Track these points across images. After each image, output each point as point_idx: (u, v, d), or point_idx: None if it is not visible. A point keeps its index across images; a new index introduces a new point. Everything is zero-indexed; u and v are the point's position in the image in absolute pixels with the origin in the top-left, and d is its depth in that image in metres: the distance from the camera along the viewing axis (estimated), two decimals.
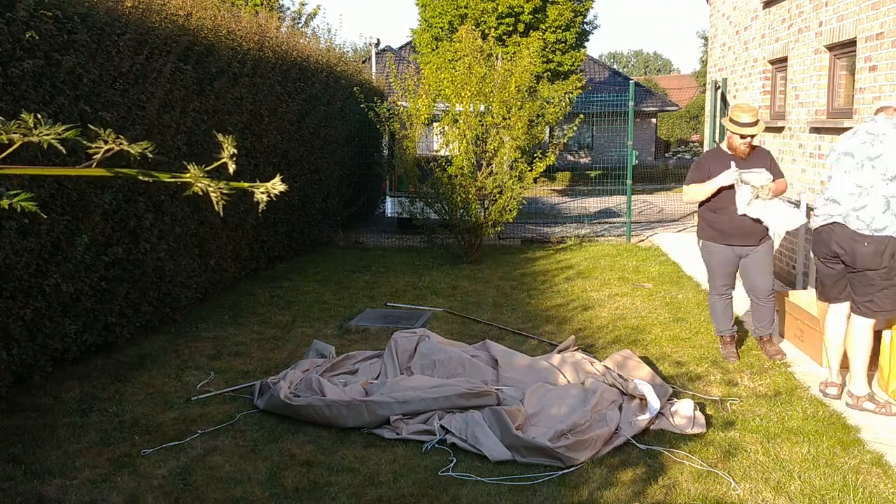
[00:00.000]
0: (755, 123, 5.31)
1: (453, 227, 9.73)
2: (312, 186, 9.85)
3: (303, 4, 19.02)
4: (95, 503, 3.52)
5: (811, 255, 4.93)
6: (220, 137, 1.54)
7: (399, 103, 10.32)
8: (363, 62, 16.21)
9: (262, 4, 14.81)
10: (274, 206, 8.50)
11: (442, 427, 4.21)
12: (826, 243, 4.63)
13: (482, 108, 9.57)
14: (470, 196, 9.45)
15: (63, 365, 5.17)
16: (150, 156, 1.47)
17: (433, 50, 19.08)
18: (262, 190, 1.53)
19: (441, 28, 20.16)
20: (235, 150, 1.52)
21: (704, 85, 16.54)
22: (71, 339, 5.11)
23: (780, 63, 8.62)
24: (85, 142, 1.43)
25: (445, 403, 4.38)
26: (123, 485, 3.67)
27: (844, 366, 4.89)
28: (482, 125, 9.57)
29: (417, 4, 21.40)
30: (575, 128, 10.18)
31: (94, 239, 5.20)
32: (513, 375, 4.89)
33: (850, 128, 6.39)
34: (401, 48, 28.34)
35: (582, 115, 10.48)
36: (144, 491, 3.61)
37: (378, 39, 18.45)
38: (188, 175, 1.48)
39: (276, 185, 1.52)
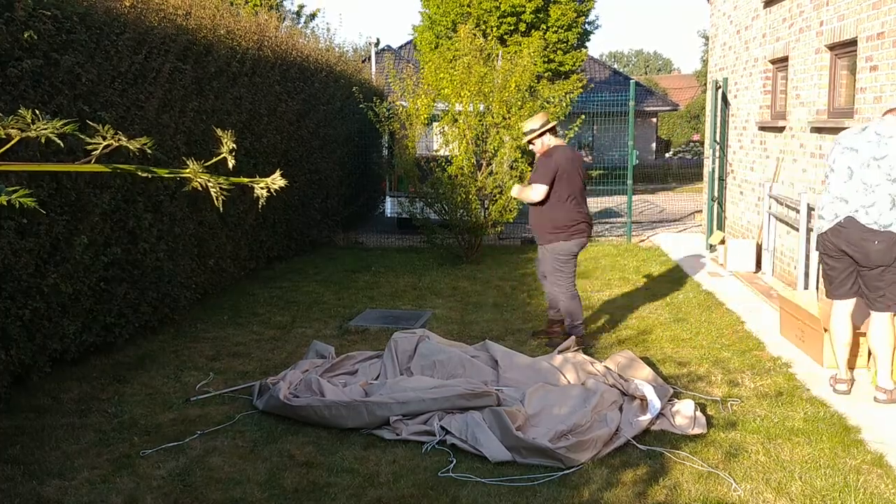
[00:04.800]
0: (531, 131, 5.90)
1: (453, 227, 9.72)
2: (312, 186, 9.83)
3: (301, 6, 19.04)
4: None
5: (815, 254, 4.93)
6: (220, 132, 1.52)
7: (399, 103, 10.31)
8: (363, 62, 16.20)
9: (261, 4, 14.80)
10: (273, 206, 8.49)
11: (442, 428, 4.19)
12: (835, 242, 4.70)
13: (482, 107, 9.56)
14: (470, 196, 9.44)
15: (62, 365, 5.15)
16: (149, 152, 1.45)
17: (434, 48, 19.07)
18: (262, 185, 1.52)
19: (444, 26, 20.15)
20: (234, 146, 1.51)
21: (705, 84, 16.53)
22: (70, 340, 5.10)
23: (781, 63, 8.61)
24: (84, 137, 1.42)
25: (445, 404, 4.37)
26: (122, 486, 3.66)
27: (850, 364, 4.99)
28: (482, 125, 9.56)
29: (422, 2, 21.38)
30: (576, 129, 10.16)
31: (93, 239, 5.19)
32: (513, 376, 4.88)
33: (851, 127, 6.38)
34: (400, 48, 28.32)
35: (582, 116, 10.47)
36: (143, 492, 3.60)
37: (378, 39, 18.45)
38: (187, 170, 1.47)
39: (276, 181, 1.51)
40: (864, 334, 5.34)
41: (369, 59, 18.29)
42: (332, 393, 4.54)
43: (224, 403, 4.76)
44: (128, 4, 5.49)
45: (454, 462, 3.90)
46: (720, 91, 10.46)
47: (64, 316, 5.00)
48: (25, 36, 4.30)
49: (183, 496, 3.57)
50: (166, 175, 1.49)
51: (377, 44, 18.73)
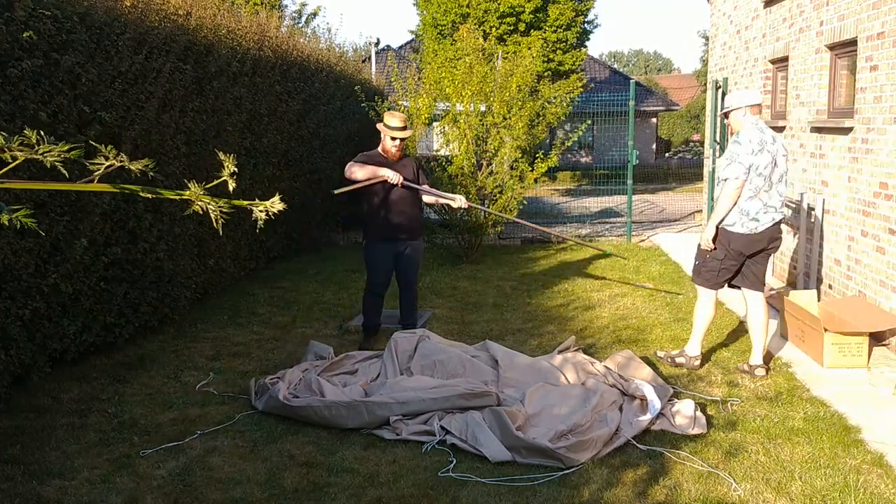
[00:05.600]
0: (405, 128, 5.91)
1: (453, 227, 9.72)
2: (312, 186, 9.83)
3: (303, 5, 19.05)
4: None
5: (707, 251, 5.43)
6: (222, 156, 1.53)
7: (399, 102, 10.30)
8: (363, 61, 16.20)
9: (262, 4, 14.80)
10: None
11: (442, 428, 4.19)
12: (759, 242, 5.16)
13: (483, 107, 9.56)
14: (470, 196, 9.44)
15: (62, 365, 5.16)
16: (150, 174, 1.46)
17: (438, 45, 19.05)
18: (260, 209, 1.53)
19: (444, 26, 20.15)
20: (236, 169, 1.52)
21: (705, 84, 16.53)
22: (70, 340, 5.09)
23: (781, 62, 8.61)
24: (89, 163, 1.43)
25: (445, 404, 4.37)
26: (122, 485, 3.66)
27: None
28: (483, 125, 9.56)
29: (417, 4, 21.37)
30: (581, 132, 10.16)
31: (93, 239, 5.19)
32: (513, 376, 4.88)
33: (852, 128, 6.39)
34: (401, 47, 28.32)
35: (588, 122, 10.48)
36: (143, 492, 3.60)
37: (378, 39, 18.46)
38: (188, 192, 1.48)
39: (275, 205, 1.52)
40: (865, 334, 5.34)
41: (369, 58, 18.29)
42: (332, 393, 4.54)
43: (224, 403, 4.76)
44: (128, 4, 5.49)
45: (454, 462, 3.90)
46: (720, 91, 10.46)
47: (64, 316, 5.00)
48: (25, 36, 4.29)
49: (183, 496, 3.57)
50: (169, 197, 1.49)
51: (377, 44, 18.73)
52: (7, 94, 4.29)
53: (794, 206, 7.66)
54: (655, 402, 4.41)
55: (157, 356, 5.66)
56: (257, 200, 1.54)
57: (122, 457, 3.97)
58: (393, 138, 5.86)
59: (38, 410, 4.57)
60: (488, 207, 9.67)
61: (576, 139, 10.23)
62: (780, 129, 8.36)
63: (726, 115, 5.30)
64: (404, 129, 5.90)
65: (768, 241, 5.18)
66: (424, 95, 9.79)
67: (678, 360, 5.44)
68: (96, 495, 3.57)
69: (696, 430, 4.21)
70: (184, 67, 6.24)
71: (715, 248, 5.27)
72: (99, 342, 5.49)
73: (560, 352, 5.27)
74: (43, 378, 4.90)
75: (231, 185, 1.48)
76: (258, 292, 7.82)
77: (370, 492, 3.62)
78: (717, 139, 10.52)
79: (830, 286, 6.84)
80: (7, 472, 3.76)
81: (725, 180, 5.07)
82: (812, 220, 7.10)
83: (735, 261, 5.25)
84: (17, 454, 3.97)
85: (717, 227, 5.20)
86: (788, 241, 8.09)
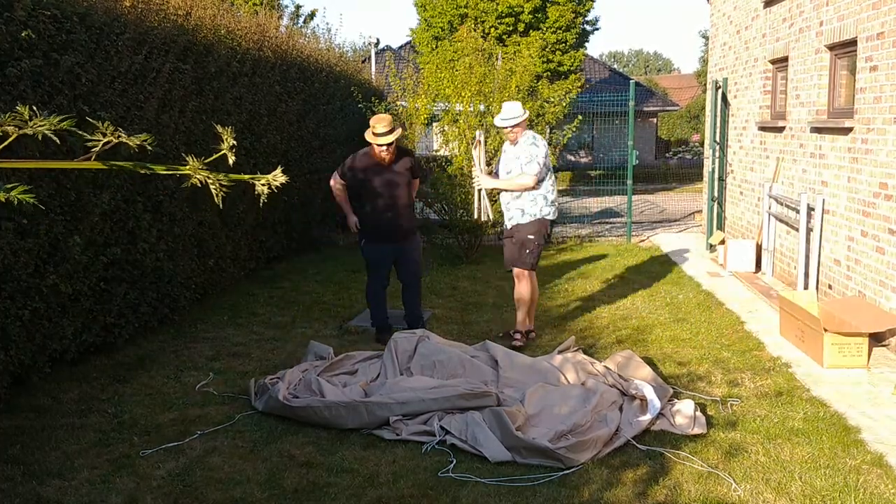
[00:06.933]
0: (391, 132, 5.86)
1: (453, 227, 9.72)
2: (312, 186, 9.83)
3: (299, 7, 19.08)
4: None
5: (533, 238, 6.00)
6: (220, 129, 1.52)
7: (398, 103, 10.31)
8: (363, 62, 16.20)
9: (261, 4, 14.80)
10: (273, 206, 8.48)
11: (442, 428, 4.19)
12: (549, 227, 6.08)
13: (482, 107, 9.56)
14: (470, 196, 9.43)
15: (62, 366, 5.15)
16: (149, 149, 1.45)
17: (433, 49, 19.04)
18: (262, 182, 1.52)
19: (441, 28, 20.14)
20: (235, 142, 1.51)
21: (705, 85, 16.53)
22: (69, 340, 5.09)
23: (781, 63, 8.60)
24: (83, 134, 1.42)
25: (445, 404, 4.37)
26: (122, 486, 3.66)
27: None
28: (482, 125, 9.56)
29: (416, 5, 21.37)
30: (574, 129, 10.16)
31: (93, 239, 5.19)
32: (513, 376, 4.88)
33: (852, 128, 6.39)
34: (400, 48, 28.31)
35: (580, 117, 10.48)
36: (143, 492, 3.60)
37: (378, 39, 18.47)
38: (187, 167, 1.47)
39: (278, 178, 1.51)
40: (864, 334, 5.34)
41: (369, 59, 18.29)
42: (332, 393, 4.54)
43: (224, 403, 4.76)
44: (128, 4, 5.49)
45: (454, 462, 3.89)
46: (720, 91, 10.46)
47: (64, 316, 5.00)
48: (23, 35, 4.29)
49: (183, 496, 3.57)
50: (165, 172, 1.48)
51: (377, 44, 18.74)
52: (7, 93, 4.28)
53: (794, 205, 7.66)
54: (655, 402, 4.41)
55: (157, 356, 5.66)
56: (259, 174, 1.53)
57: (122, 457, 3.96)
58: (379, 145, 5.82)
59: (38, 410, 4.57)
60: (489, 207, 9.66)
61: (569, 136, 10.23)
62: (780, 130, 8.36)
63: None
64: (390, 132, 5.82)
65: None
66: (423, 95, 9.79)
67: (530, 336, 6.13)
68: (96, 495, 3.56)
69: (696, 430, 4.21)
70: (183, 67, 6.24)
71: (533, 238, 5.98)
72: (99, 342, 5.49)
73: (560, 352, 5.27)
74: (43, 378, 4.90)
75: (231, 159, 1.46)
76: (258, 292, 7.82)
77: (370, 492, 3.62)
78: (717, 139, 10.52)
79: (830, 286, 6.84)
80: (7, 472, 3.76)
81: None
82: (812, 220, 7.10)
83: (543, 244, 6.12)
84: (17, 454, 3.97)
85: (538, 219, 5.94)
86: (788, 241, 8.09)
